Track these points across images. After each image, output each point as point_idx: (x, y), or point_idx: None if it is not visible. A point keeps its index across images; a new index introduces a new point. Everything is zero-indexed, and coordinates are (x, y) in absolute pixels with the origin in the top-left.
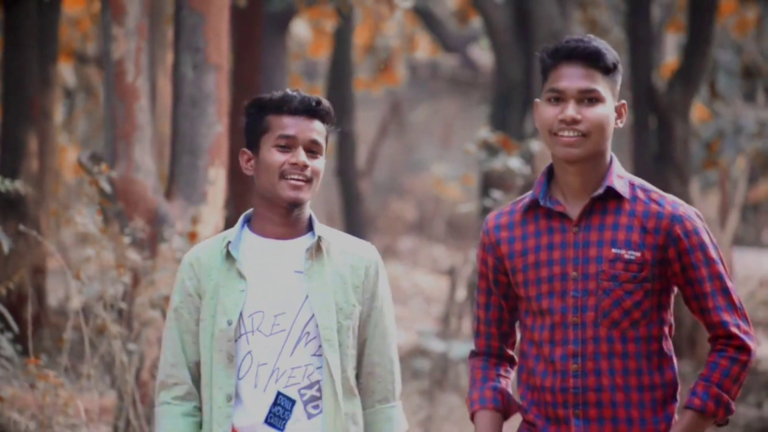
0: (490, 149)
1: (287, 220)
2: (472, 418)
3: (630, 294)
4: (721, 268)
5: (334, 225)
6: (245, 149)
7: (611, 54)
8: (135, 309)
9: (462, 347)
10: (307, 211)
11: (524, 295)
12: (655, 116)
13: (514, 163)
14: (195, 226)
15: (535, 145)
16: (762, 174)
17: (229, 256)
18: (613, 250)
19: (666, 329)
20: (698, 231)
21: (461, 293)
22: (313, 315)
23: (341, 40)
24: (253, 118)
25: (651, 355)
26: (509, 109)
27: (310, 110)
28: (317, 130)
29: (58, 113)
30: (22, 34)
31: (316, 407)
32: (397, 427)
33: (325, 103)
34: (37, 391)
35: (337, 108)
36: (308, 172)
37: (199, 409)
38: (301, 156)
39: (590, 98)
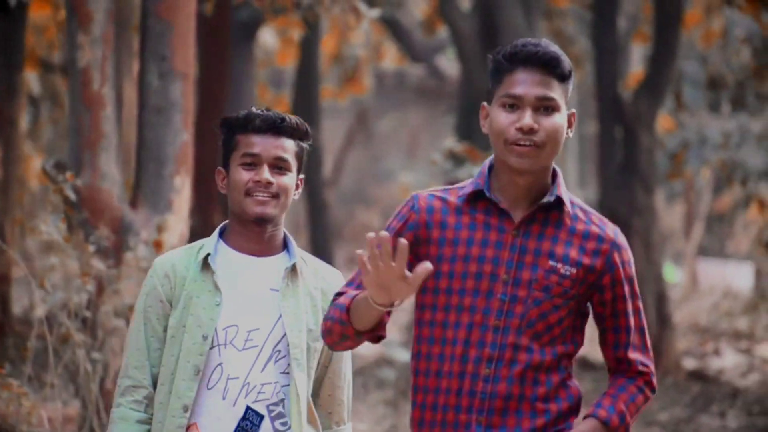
0: (456, 159)
1: (261, 237)
2: (347, 311)
3: (557, 309)
4: (641, 304)
5: (301, 234)
6: (220, 168)
7: (567, 61)
8: (99, 318)
9: None
10: (282, 230)
11: (444, 286)
12: (620, 127)
13: None
14: (160, 234)
15: None
16: (726, 185)
17: (206, 266)
18: (550, 262)
19: (575, 350)
20: (631, 263)
21: None
22: (285, 334)
23: (308, 49)
24: (224, 137)
25: (561, 371)
26: (475, 119)
27: (274, 128)
28: (283, 146)
29: (23, 121)
30: None
31: (283, 424)
32: None
33: (292, 119)
34: (1, 400)
35: (303, 117)
36: (273, 189)
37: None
38: (265, 173)
39: (547, 107)
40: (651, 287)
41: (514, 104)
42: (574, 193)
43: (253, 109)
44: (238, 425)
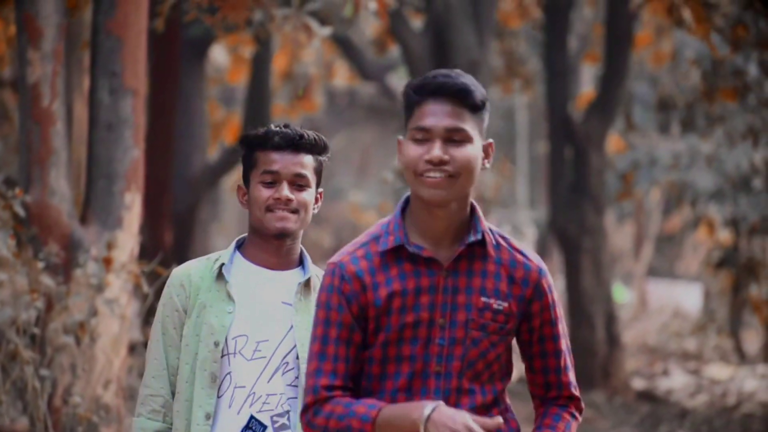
0: None
1: (279, 251)
2: (373, 424)
3: (494, 346)
4: (565, 326)
5: None
6: (240, 184)
7: (479, 91)
8: (48, 334)
9: None
10: (299, 245)
11: (383, 339)
12: (571, 147)
13: None
14: (110, 251)
15: None
16: (676, 206)
17: (220, 277)
18: (483, 299)
19: (509, 380)
20: (553, 288)
21: None
22: (294, 346)
23: (259, 66)
24: (244, 155)
25: (500, 405)
26: None
27: (293, 145)
28: (302, 163)
29: None
30: None
31: None
32: None
33: (310, 135)
34: None
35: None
36: (293, 205)
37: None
38: (284, 191)
39: (458, 138)
40: (600, 307)
41: (424, 137)
42: (524, 215)
43: (272, 126)
44: None
